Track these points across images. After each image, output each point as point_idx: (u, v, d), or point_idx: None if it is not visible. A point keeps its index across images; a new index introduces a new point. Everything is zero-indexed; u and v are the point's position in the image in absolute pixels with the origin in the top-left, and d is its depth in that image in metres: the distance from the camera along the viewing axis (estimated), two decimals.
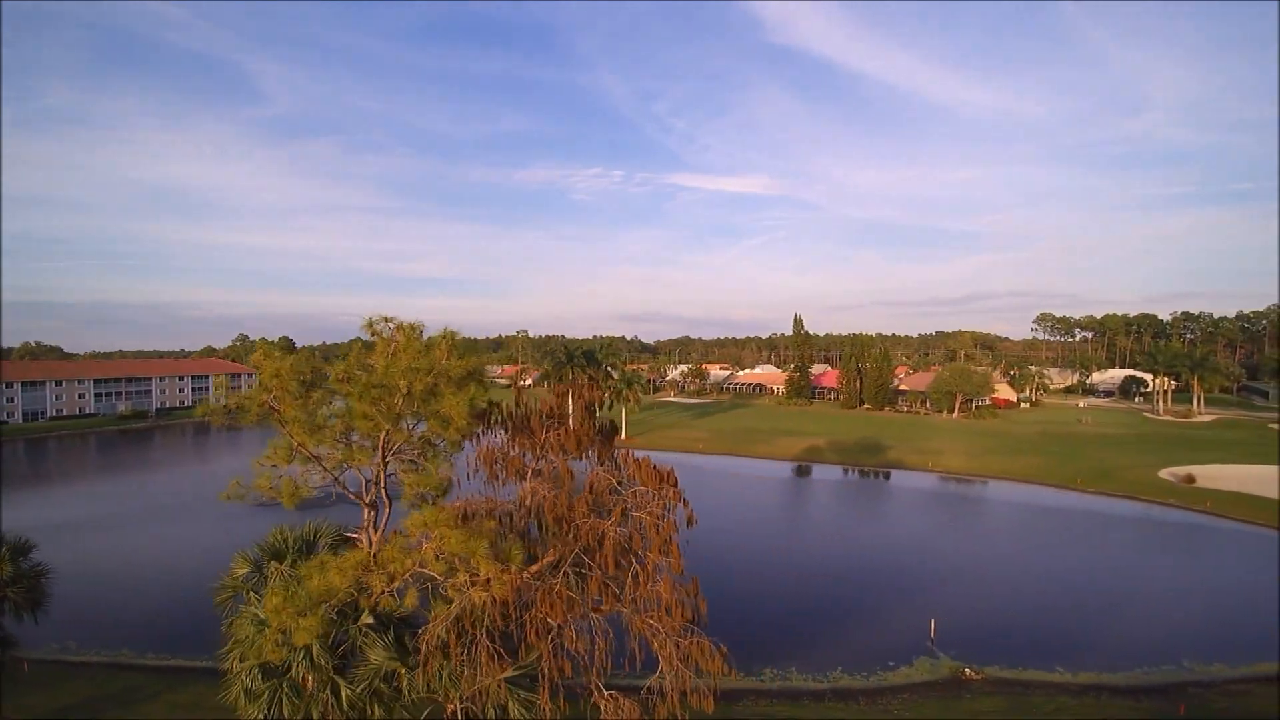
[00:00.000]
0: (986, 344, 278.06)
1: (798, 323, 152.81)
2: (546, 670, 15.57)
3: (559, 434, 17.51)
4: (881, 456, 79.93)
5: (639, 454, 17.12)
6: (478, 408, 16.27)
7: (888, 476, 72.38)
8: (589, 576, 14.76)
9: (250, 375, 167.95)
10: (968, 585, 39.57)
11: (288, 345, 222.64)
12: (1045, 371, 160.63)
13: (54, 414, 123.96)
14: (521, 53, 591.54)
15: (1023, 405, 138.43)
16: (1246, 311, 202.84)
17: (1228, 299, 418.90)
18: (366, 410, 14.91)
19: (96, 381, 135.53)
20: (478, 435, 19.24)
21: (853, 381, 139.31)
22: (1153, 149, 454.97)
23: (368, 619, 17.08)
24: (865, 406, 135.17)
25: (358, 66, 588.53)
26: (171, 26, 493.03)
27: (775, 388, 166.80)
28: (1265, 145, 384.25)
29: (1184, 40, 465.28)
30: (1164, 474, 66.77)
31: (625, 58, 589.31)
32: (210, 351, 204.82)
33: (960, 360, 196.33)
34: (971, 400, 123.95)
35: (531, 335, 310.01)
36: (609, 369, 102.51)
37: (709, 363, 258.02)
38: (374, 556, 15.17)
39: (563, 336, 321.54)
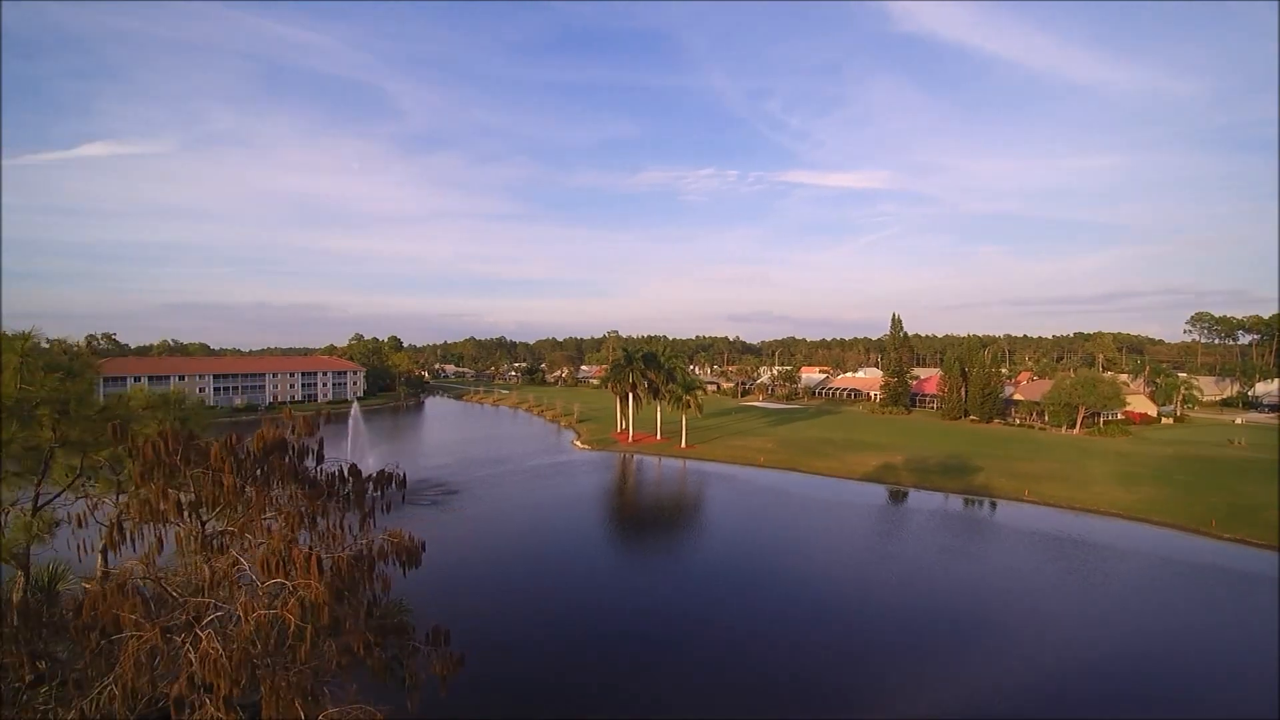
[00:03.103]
0: (1134, 347, 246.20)
1: (896, 323, 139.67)
2: None
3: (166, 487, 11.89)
4: (965, 480, 69.15)
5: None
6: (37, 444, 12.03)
7: (967, 504, 62.05)
8: None
9: (355, 373, 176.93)
10: (1005, 672, 31.13)
11: (395, 344, 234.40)
12: (1195, 380, 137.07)
13: None
14: (631, 58, 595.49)
15: (1164, 420, 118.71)
16: None
17: None
18: None
19: (216, 376, 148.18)
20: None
21: (955, 389, 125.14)
22: None
23: None
24: (970, 417, 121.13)
25: (478, 83, 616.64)
26: (320, 54, 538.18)
27: (872, 393, 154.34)
28: None
29: None
30: None
31: (734, 57, 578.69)
32: (331, 350, 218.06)
33: (1098, 365, 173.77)
34: (1098, 414, 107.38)
35: (636, 336, 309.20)
36: (670, 372, 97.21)
37: (811, 365, 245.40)
38: None
39: (666, 337, 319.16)
